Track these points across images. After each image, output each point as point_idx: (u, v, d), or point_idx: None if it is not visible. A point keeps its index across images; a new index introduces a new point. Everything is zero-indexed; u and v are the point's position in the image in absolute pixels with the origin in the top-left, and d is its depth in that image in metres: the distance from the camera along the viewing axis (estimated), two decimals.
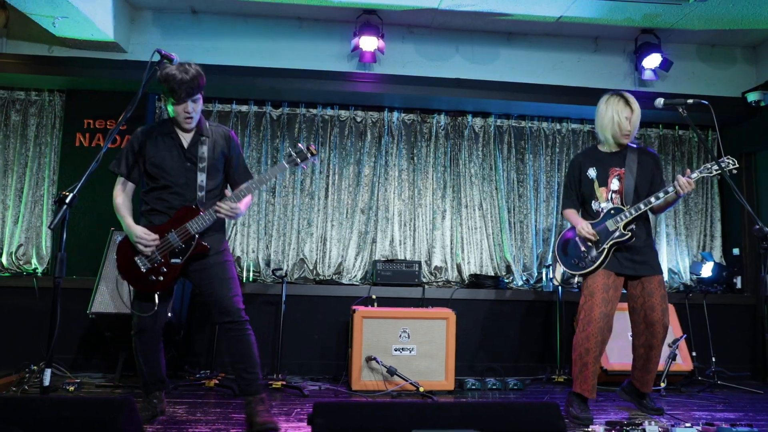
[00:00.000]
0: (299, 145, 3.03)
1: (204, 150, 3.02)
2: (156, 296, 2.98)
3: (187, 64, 2.90)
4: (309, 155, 3.00)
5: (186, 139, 3.03)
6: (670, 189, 3.26)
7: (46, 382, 2.19)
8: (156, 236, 2.92)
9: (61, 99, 5.11)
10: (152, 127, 3.07)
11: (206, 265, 3.00)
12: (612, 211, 3.38)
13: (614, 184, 3.44)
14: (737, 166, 3.14)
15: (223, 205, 2.92)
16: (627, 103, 3.38)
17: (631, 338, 3.59)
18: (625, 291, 3.51)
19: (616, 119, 3.37)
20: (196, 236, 2.94)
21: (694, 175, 3.24)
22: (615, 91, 3.47)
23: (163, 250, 2.93)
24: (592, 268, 3.38)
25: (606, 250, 3.36)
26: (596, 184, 3.47)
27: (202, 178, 3.00)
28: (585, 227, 3.40)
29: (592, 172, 3.49)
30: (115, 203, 3.03)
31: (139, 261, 2.93)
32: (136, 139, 3.03)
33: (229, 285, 3.01)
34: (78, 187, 2.33)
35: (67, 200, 2.25)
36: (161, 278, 2.94)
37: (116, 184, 3.06)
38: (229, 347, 3.03)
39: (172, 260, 2.94)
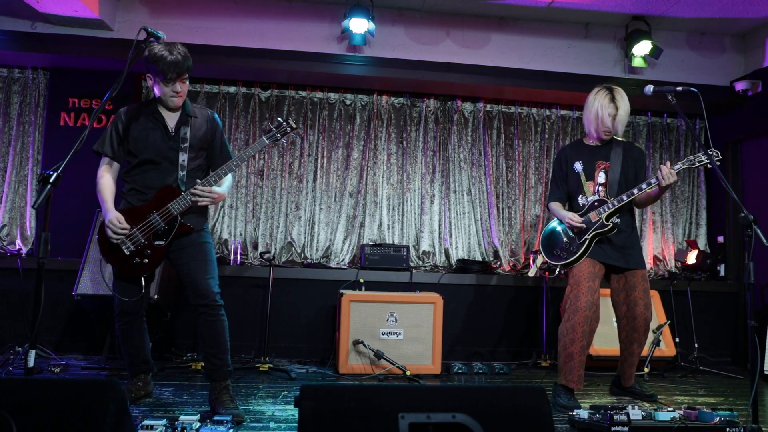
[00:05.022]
0: (278, 119, 3.00)
1: (187, 131, 2.99)
2: (142, 280, 2.94)
3: (175, 43, 2.88)
4: (289, 129, 2.98)
5: (171, 119, 3.00)
6: (653, 180, 3.25)
7: (31, 363, 2.17)
8: (127, 226, 2.85)
9: (45, 77, 5.02)
10: (137, 107, 3.04)
11: (185, 245, 2.97)
12: (596, 203, 3.40)
13: (601, 178, 3.45)
14: (720, 157, 3.12)
15: (198, 190, 2.87)
16: (613, 99, 3.36)
17: (615, 324, 3.62)
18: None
19: (600, 114, 3.37)
20: (179, 217, 2.90)
21: (677, 166, 3.23)
22: (606, 85, 3.44)
23: (147, 231, 2.88)
24: (574, 258, 3.39)
25: (588, 240, 3.38)
26: (583, 178, 3.47)
27: (183, 157, 2.97)
28: (572, 216, 3.40)
29: (578, 166, 3.50)
30: (99, 183, 2.97)
31: (122, 244, 2.88)
32: (120, 118, 2.99)
33: (207, 267, 2.97)
34: (62, 166, 2.29)
35: (51, 179, 2.21)
36: (146, 260, 2.90)
37: (101, 164, 3.01)
38: (200, 330, 2.98)
39: (156, 242, 2.89)
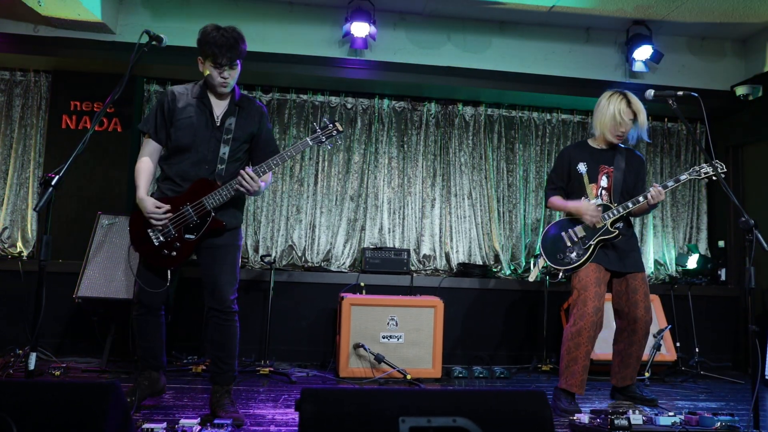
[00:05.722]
0: (324, 120, 2.90)
1: (233, 122, 2.90)
2: (169, 273, 2.88)
3: (229, 27, 2.83)
4: (335, 132, 2.88)
5: (218, 107, 2.91)
6: (641, 198, 3.31)
7: (31, 366, 2.17)
8: (168, 207, 2.79)
9: (47, 80, 5.03)
10: (186, 88, 2.95)
11: (215, 244, 2.89)
12: (600, 209, 3.39)
13: (603, 181, 3.46)
14: (725, 170, 3.13)
15: (246, 176, 2.76)
16: (629, 104, 3.36)
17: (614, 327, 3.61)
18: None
19: (618, 119, 3.36)
20: (212, 212, 2.83)
21: (683, 176, 3.26)
22: (619, 90, 3.45)
23: (178, 224, 2.82)
24: (577, 264, 3.38)
25: (592, 246, 3.37)
26: (586, 180, 3.47)
27: (224, 150, 2.87)
28: (593, 209, 3.33)
29: (582, 167, 3.49)
30: (137, 166, 2.88)
31: (152, 234, 2.82)
32: (167, 98, 2.90)
33: (230, 271, 2.91)
34: (64, 169, 2.29)
35: (53, 182, 2.22)
36: (174, 253, 2.82)
37: (143, 145, 2.93)
38: (211, 334, 2.94)
39: (186, 236, 2.82)
